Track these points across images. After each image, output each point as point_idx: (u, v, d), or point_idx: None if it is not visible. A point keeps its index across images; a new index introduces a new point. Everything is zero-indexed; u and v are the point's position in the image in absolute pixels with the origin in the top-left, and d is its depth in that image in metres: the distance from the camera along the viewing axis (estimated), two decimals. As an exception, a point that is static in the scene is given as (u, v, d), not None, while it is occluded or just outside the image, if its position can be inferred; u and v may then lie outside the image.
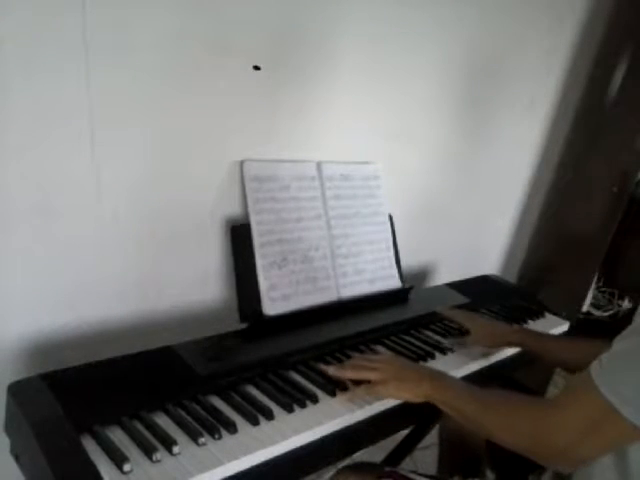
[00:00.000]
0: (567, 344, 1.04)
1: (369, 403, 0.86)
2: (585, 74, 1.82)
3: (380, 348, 1.06)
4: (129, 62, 0.87)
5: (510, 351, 1.15)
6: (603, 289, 2.13)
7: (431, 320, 1.21)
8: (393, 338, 1.10)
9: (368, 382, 0.87)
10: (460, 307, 1.30)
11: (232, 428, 0.75)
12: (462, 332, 1.16)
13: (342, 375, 0.89)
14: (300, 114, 1.13)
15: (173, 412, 0.77)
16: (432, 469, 1.29)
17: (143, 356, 0.86)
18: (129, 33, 0.86)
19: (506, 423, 0.75)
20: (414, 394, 0.85)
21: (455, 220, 1.65)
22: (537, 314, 1.38)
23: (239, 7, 0.96)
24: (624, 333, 0.67)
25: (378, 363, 0.89)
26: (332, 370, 0.90)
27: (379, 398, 0.87)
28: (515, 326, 1.20)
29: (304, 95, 1.12)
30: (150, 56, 0.89)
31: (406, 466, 1.26)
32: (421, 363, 1.02)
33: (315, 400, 0.85)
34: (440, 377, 0.87)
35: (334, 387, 0.88)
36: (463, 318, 1.16)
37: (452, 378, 0.88)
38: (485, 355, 1.10)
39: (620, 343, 0.66)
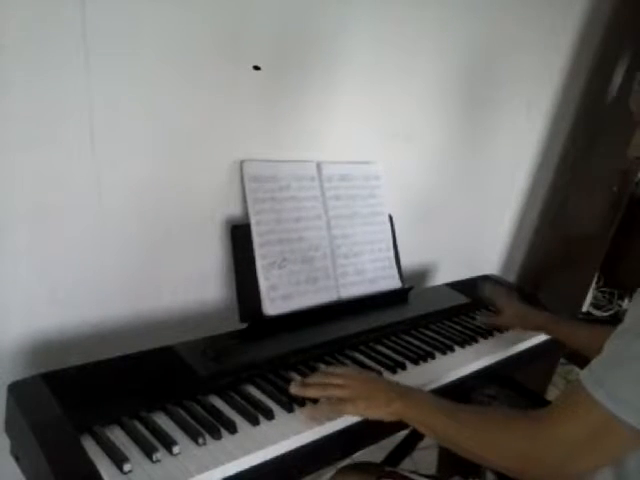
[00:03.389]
0: (599, 332, 0.96)
1: (332, 420, 0.81)
2: (585, 74, 1.82)
3: (380, 348, 1.06)
4: (129, 62, 0.87)
5: (510, 351, 1.15)
6: (603, 289, 2.13)
7: (431, 320, 1.21)
8: (393, 338, 1.10)
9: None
10: (461, 306, 1.30)
11: (232, 428, 0.75)
12: (469, 335, 1.17)
13: (304, 394, 0.82)
14: (300, 114, 1.13)
15: (173, 412, 0.77)
16: (432, 469, 1.29)
17: (143, 356, 0.86)
18: (129, 33, 0.86)
19: (491, 441, 0.70)
20: (383, 413, 0.78)
21: (455, 220, 1.65)
22: (537, 314, 1.38)
23: (239, 7, 0.96)
24: (613, 335, 0.63)
25: (345, 379, 0.82)
26: (294, 389, 0.82)
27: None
28: (542, 311, 1.21)
29: (304, 95, 1.12)
30: (150, 56, 0.89)
31: (406, 466, 1.26)
32: (421, 363, 1.03)
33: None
34: (413, 395, 0.81)
35: (296, 400, 0.83)
36: (498, 296, 1.23)
37: (427, 395, 0.82)
38: (485, 355, 1.10)
39: (609, 346, 0.63)
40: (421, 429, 0.78)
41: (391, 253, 1.29)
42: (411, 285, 1.32)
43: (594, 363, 0.63)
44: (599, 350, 0.64)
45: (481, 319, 1.18)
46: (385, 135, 1.32)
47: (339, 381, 0.82)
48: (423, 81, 1.35)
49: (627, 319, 0.63)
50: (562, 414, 0.65)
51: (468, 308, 1.31)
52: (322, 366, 0.92)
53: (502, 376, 1.24)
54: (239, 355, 0.93)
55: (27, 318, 0.90)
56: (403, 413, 0.78)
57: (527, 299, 1.47)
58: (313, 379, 0.85)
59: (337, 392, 0.80)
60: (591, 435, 0.61)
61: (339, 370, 0.87)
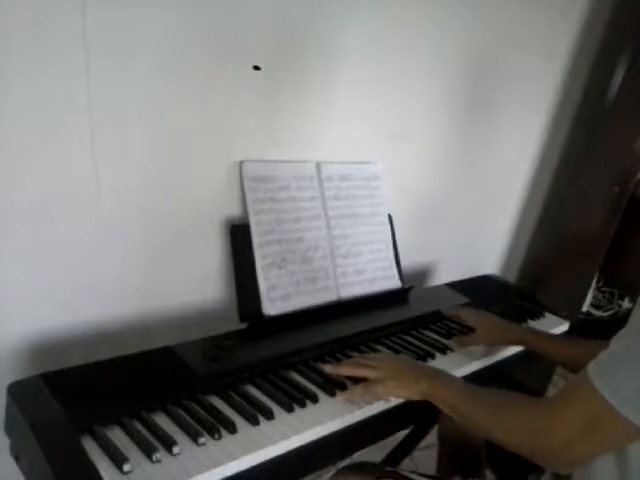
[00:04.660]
0: (568, 345, 1.03)
1: (369, 403, 0.85)
2: (585, 74, 1.82)
3: (380, 348, 1.06)
4: (129, 62, 0.87)
5: (510, 351, 1.15)
6: (603, 289, 2.13)
7: (431, 320, 1.21)
8: (393, 338, 1.10)
9: (365, 381, 0.86)
10: (461, 306, 1.30)
11: (232, 428, 0.75)
12: (464, 332, 1.16)
13: (339, 373, 0.89)
14: (300, 114, 1.13)
15: (173, 412, 0.77)
16: (432, 469, 1.29)
17: (143, 356, 0.86)
18: (129, 33, 0.86)
19: (504, 422, 0.75)
20: (412, 392, 0.84)
21: (455, 220, 1.65)
22: (537, 314, 1.38)
23: (239, 7, 0.96)
24: (621, 333, 0.66)
25: (376, 361, 0.89)
26: (329, 368, 0.90)
27: (378, 398, 0.87)
28: (517, 325, 1.19)
29: (304, 95, 1.12)
30: (150, 56, 0.89)
31: (406, 466, 1.26)
32: (421, 363, 1.03)
33: (315, 400, 0.85)
34: (439, 375, 0.87)
35: (334, 387, 0.87)
36: (467, 316, 1.17)
37: (451, 377, 0.88)
38: (485, 355, 1.10)
39: (618, 343, 0.66)
40: (445, 409, 0.82)
41: (391, 253, 1.29)
42: (411, 285, 1.32)
43: (602, 357, 0.66)
44: (584, 366, 0.67)
45: (453, 343, 1.11)
46: (385, 135, 1.32)
47: (371, 363, 0.88)
48: (424, 81, 1.35)
49: (636, 317, 0.65)
50: (567, 401, 0.68)
51: (472, 306, 1.30)
52: (322, 366, 0.93)
53: (502, 376, 1.24)
54: (239, 355, 0.93)
55: (27, 318, 0.90)
56: (429, 392, 0.83)
57: (526, 299, 1.48)
58: (347, 360, 0.93)
59: (368, 373, 0.87)
60: (590, 424, 0.64)
61: (370, 355, 0.95)
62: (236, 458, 0.70)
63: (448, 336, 1.15)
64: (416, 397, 0.84)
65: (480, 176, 1.67)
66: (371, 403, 0.86)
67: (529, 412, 0.72)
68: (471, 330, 1.15)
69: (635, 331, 0.65)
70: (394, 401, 0.88)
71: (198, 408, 0.78)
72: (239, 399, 0.82)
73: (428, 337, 1.14)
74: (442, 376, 0.87)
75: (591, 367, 0.66)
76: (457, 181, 1.59)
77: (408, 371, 0.87)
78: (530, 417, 0.71)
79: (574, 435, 0.65)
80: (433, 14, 1.27)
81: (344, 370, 0.89)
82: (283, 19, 1.03)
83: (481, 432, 0.80)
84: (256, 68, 1.02)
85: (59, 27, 0.79)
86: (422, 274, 1.62)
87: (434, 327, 1.19)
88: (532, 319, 1.36)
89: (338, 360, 0.98)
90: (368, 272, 1.23)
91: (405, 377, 0.85)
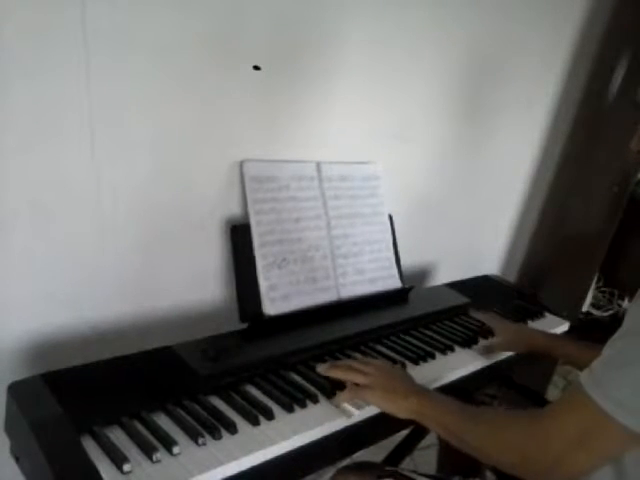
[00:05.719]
0: (591, 351, 1.01)
1: (359, 408, 0.84)
2: (585, 74, 1.82)
3: (380, 348, 1.06)
4: (129, 62, 0.87)
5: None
6: (603, 289, 2.12)
7: (431, 320, 1.21)
8: (393, 338, 1.10)
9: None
10: (461, 306, 1.30)
11: (232, 428, 0.75)
12: (469, 336, 1.17)
13: (330, 374, 0.87)
14: (300, 114, 1.13)
15: (173, 412, 0.77)
16: (432, 469, 1.29)
17: (143, 356, 0.86)
18: (129, 33, 0.86)
19: (497, 439, 0.72)
20: (399, 407, 0.81)
21: (455, 220, 1.65)
22: (537, 314, 1.38)
23: (240, 6, 0.96)
24: (613, 338, 0.65)
25: (370, 368, 0.86)
26: (321, 368, 0.89)
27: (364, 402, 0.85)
28: (542, 331, 1.20)
29: (304, 95, 1.12)
30: (150, 56, 0.89)
31: (406, 466, 1.26)
32: (421, 363, 1.03)
33: (315, 400, 0.85)
34: (430, 394, 0.84)
35: (334, 387, 0.87)
36: (492, 322, 1.20)
37: (441, 396, 0.84)
38: (485, 355, 1.10)
39: (609, 348, 0.65)
40: (434, 428, 0.81)
41: (391, 253, 1.29)
42: (411, 285, 1.32)
43: (594, 364, 0.65)
44: None
45: (480, 348, 1.12)
46: (385, 135, 1.32)
47: (364, 369, 0.86)
48: (423, 81, 1.35)
49: (627, 321, 0.64)
50: (559, 411, 0.67)
51: (468, 308, 1.31)
52: (316, 365, 0.93)
53: (502, 376, 1.24)
54: (239, 355, 0.93)
55: (27, 318, 0.90)
56: (418, 409, 0.80)
57: (526, 299, 1.48)
58: (341, 362, 0.92)
59: (358, 378, 0.85)
60: (585, 433, 0.62)
61: (368, 360, 0.93)
62: (236, 458, 0.70)
63: (448, 336, 1.15)
64: (402, 414, 0.81)
65: (480, 176, 1.67)
66: (360, 409, 0.84)
67: (522, 427, 0.70)
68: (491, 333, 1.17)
69: (626, 334, 0.64)
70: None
71: (198, 408, 0.78)
72: (239, 399, 0.82)
73: (428, 337, 1.13)
74: (433, 395, 0.84)
75: (583, 375, 0.64)
76: (457, 181, 1.59)
77: (400, 385, 0.84)
78: (523, 432, 0.69)
79: (569, 446, 0.63)
80: (433, 14, 1.27)
81: (335, 372, 0.87)
82: (284, 19, 1.03)
83: (473, 452, 0.75)
84: (256, 68, 1.02)
85: (59, 27, 0.79)
86: (422, 274, 1.62)
87: (434, 327, 1.19)
88: (532, 319, 1.36)
89: (338, 360, 0.98)
90: (368, 272, 1.23)
91: (395, 390, 0.83)
